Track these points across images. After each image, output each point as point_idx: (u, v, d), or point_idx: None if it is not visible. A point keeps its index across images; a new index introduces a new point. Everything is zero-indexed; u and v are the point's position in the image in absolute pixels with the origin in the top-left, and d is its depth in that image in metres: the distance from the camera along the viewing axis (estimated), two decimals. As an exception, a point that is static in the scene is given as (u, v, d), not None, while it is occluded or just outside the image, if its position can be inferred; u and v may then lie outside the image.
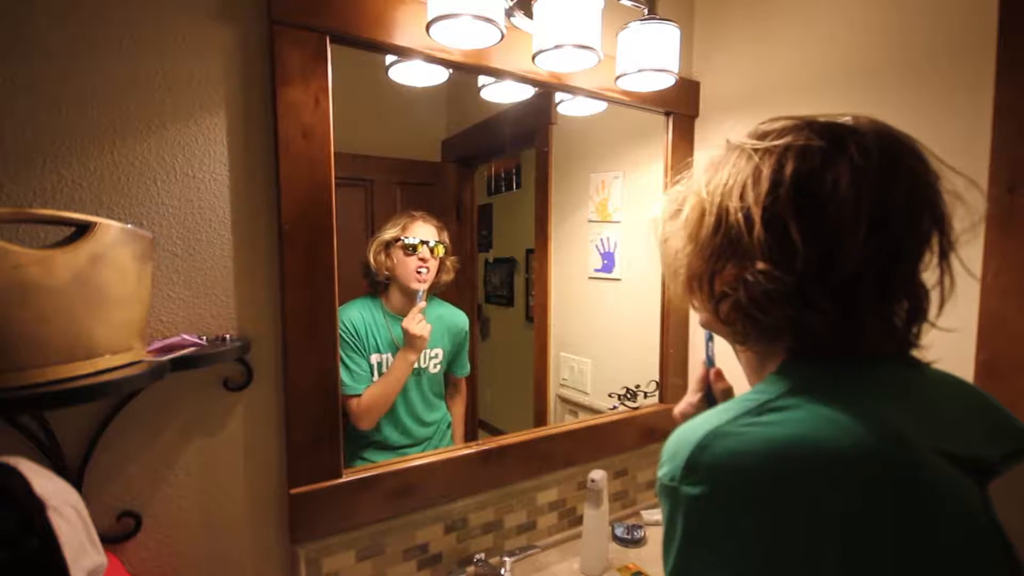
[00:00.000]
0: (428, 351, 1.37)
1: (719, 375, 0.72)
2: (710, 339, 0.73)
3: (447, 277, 1.41)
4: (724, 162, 0.52)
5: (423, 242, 1.33)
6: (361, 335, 1.31)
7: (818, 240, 0.44)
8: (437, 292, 1.43)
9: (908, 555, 0.39)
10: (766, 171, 0.47)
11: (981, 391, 0.52)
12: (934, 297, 0.49)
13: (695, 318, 1.48)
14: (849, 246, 0.44)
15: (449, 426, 1.46)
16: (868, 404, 0.44)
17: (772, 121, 0.51)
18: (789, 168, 0.46)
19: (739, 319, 0.50)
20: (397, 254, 1.33)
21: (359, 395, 1.26)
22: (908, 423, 0.43)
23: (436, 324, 1.37)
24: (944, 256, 0.47)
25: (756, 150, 0.49)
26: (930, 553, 0.40)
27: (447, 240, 1.39)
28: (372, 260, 1.34)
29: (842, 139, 0.46)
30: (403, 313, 1.32)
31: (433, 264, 1.34)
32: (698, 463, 0.42)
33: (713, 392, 0.72)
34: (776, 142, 0.48)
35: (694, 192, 0.54)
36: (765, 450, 0.41)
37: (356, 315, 1.32)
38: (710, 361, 0.73)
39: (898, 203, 0.45)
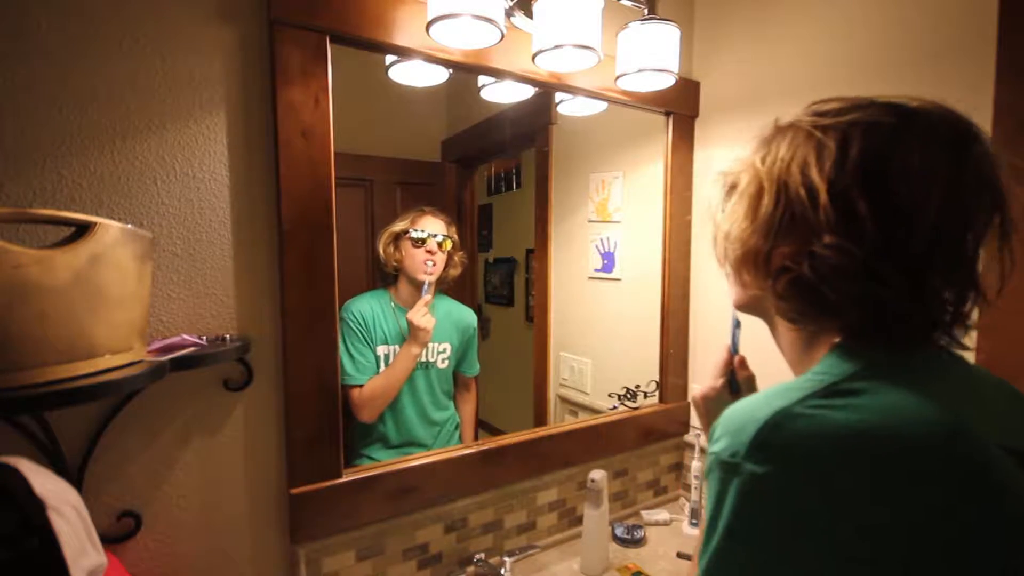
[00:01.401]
0: (436, 345, 1.38)
1: (743, 363, 0.72)
2: (737, 326, 0.72)
3: (454, 272, 1.43)
4: (779, 139, 0.51)
5: (431, 235, 1.35)
6: (369, 326, 1.32)
7: (887, 217, 0.44)
8: (444, 287, 1.44)
9: (974, 551, 0.40)
10: (831, 146, 0.46)
11: (1012, 385, 0.52)
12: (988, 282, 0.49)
13: (695, 318, 1.49)
14: (918, 225, 0.44)
15: (457, 427, 1.46)
16: (936, 393, 0.43)
17: (824, 102, 0.50)
18: (857, 144, 0.46)
19: (798, 295, 0.49)
20: (406, 246, 1.35)
21: (361, 385, 1.27)
22: (972, 415, 0.44)
23: (444, 319, 1.39)
24: (1006, 239, 0.47)
25: (817, 127, 0.48)
26: (997, 550, 0.40)
27: (456, 236, 1.41)
28: (382, 252, 1.36)
29: (911, 118, 0.46)
30: (410, 305, 1.33)
31: (440, 257, 1.36)
32: (768, 442, 0.41)
33: (736, 379, 0.72)
34: (840, 118, 0.48)
35: (749, 169, 0.53)
36: (837, 435, 0.40)
37: (365, 307, 1.34)
38: (735, 348, 0.73)
39: (967, 185, 0.45)
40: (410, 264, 1.35)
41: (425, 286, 1.32)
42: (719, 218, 0.58)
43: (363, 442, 1.34)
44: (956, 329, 0.49)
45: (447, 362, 1.41)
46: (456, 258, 1.42)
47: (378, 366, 1.31)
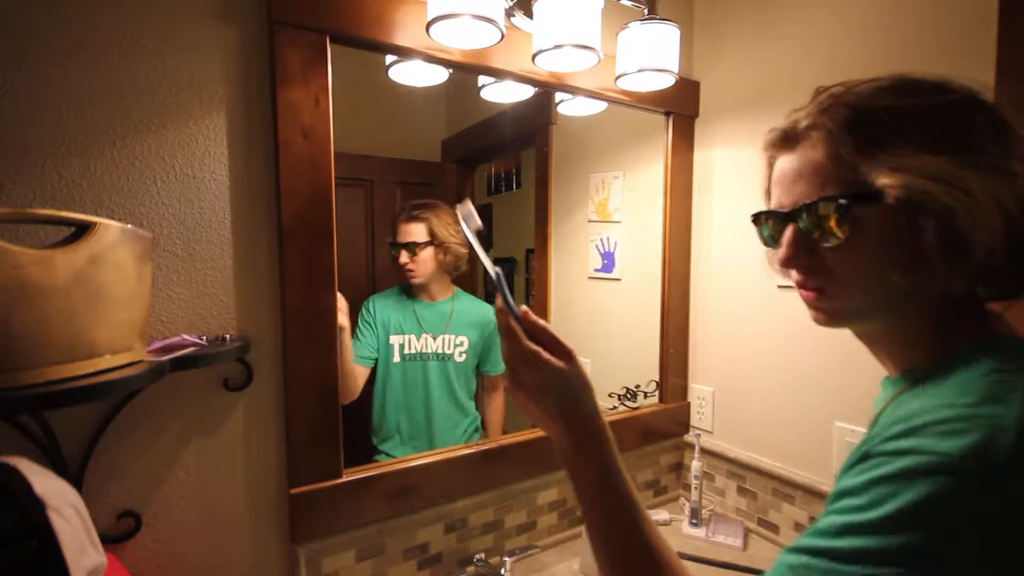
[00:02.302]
0: (453, 337, 1.41)
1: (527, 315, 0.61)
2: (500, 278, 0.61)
3: (449, 258, 1.42)
4: (918, 122, 0.49)
5: (402, 245, 1.40)
6: (377, 317, 1.38)
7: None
8: (447, 274, 1.46)
9: None
10: (982, 122, 0.48)
11: None
12: None
13: (695, 318, 1.50)
14: None
15: (477, 430, 1.47)
16: None
17: (900, 78, 0.52)
18: (982, 115, 0.48)
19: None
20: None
21: None
22: None
23: (461, 313, 1.43)
24: None
25: (935, 104, 0.49)
26: None
27: (438, 227, 1.41)
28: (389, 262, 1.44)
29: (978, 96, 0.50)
30: (422, 298, 1.43)
31: (420, 259, 1.40)
32: None
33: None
34: (941, 98, 0.49)
35: (964, 169, 0.46)
36: None
37: (381, 301, 1.40)
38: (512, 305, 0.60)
39: None
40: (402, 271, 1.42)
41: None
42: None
43: (379, 438, 1.38)
44: None
45: (465, 356, 1.43)
46: (447, 245, 1.41)
47: (388, 354, 1.37)
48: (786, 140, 0.55)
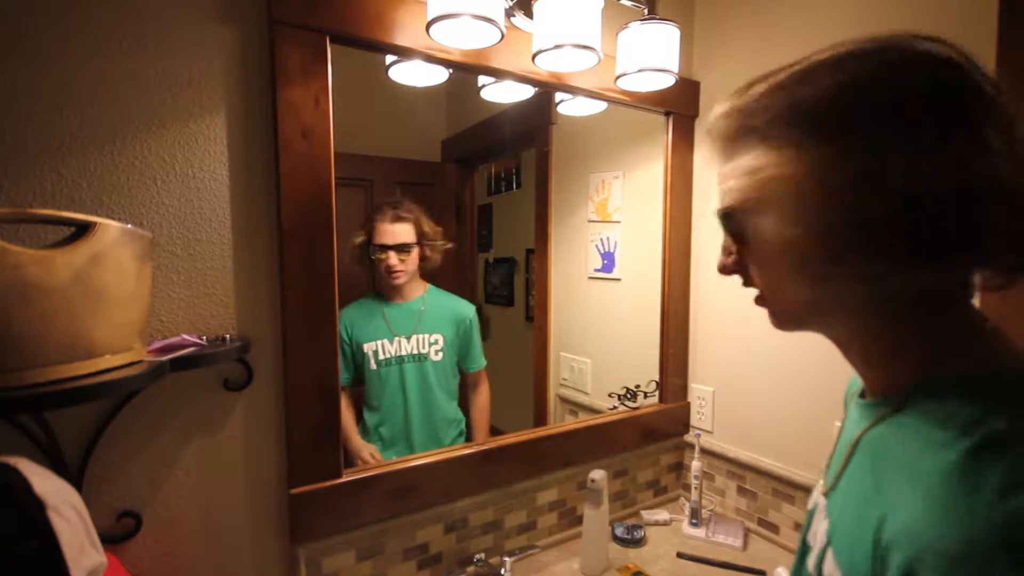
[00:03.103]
0: (427, 336, 1.39)
1: None
2: None
3: (434, 256, 1.40)
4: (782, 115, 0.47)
5: (391, 248, 1.35)
6: (351, 332, 1.35)
7: None
8: (429, 276, 1.44)
9: None
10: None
11: None
12: None
13: (695, 318, 1.50)
14: None
15: (461, 433, 1.46)
16: None
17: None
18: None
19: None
20: (370, 256, 1.37)
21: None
22: None
23: (435, 310, 1.41)
24: None
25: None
26: None
27: (425, 227, 1.38)
28: (355, 264, 1.36)
29: None
30: (393, 299, 1.39)
31: (407, 259, 1.37)
32: None
33: None
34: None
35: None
36: None
37: (349, 314, 1.36)
38: None
39: None
40: (381, 272, 1.37)
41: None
42: None
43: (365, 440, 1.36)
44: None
45: (441, 354, 1.41)
46: (430, 247, 1.39)
47: (365, 362, 1.35)
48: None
